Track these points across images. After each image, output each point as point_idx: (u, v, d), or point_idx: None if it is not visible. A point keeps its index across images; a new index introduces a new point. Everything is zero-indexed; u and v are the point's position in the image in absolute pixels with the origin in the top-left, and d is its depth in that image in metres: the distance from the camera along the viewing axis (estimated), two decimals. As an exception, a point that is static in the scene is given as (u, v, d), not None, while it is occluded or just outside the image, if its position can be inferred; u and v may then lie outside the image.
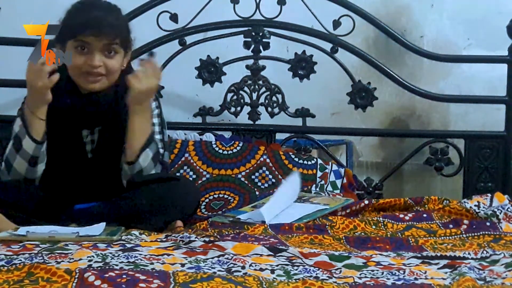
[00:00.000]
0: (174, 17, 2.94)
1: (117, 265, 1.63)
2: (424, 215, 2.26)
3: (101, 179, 2.30)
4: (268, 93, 2.97)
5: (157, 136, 2.35)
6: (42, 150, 2.24)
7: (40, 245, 1.80)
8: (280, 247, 1.83)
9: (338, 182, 2.78)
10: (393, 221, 2.21)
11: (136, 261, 1.67)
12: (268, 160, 2.76)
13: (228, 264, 1.69)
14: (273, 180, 2.72)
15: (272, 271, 1.65)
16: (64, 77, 2.26)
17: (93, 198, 2.24)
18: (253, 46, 2.96)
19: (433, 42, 3.25)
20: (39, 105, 2.21)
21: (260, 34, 2.95)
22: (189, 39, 2.97)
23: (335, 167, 2.82)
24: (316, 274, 1.65)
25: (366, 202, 2.40)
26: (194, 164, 2.74)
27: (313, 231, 2.10)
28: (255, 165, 2.75)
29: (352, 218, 2.26)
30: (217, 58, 2.97)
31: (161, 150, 2.34)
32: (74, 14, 2.27)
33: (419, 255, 1.85)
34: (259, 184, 2.71)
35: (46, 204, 2.22)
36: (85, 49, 2.24)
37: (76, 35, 2.24)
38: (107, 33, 2.23)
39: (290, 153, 2.82)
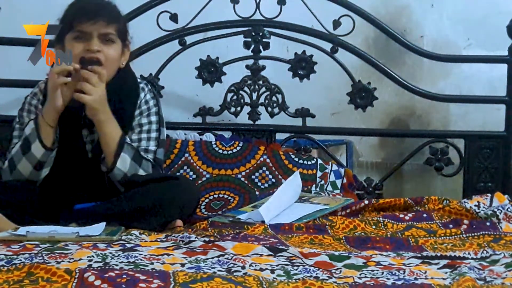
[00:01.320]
0: (174, 17, 2.94)
1: (117, 265, 1.63)
2: (424, 215, 2.26)
3: (101, 179, 2.30)
4: (268, 93, 2.97)
5: (153, 134, 2.36)
6: (51, 156, 2.26)
7: (40, 245, 1.80)
8: (280, 247, 1.83)
9: (338, 182, 2.78)
10: (393, 221, 2.21)
11: (136, 261, 1.67)
12: (268, 160, 2.76)
13: (228, 264, 1.69)
14: (273, 180, 2.72)
15: (272, 271, 1.65)
16: None
17: (93, 198, 2.24)
18: (253, 46, 2.96)
19: (433, 42, 3.26)
20: (50, 111, 2.23)
21: (260, 34, 2.95)
22: (189, 39, 2.97)
23: (335, 167, 2.81)
24: (316, 274, 1.65)
25: (366, 202, 2.40)
26: (194, 164, 2.74)
27: (313, 231, 2.10)
28: (255, 165, 2.75)
29: (352, 218, 2.26)
30: (217, 58, 2.97)
31: (154, 148, 2.35)
32: (70, 7, 2.31)
33: (419, 255, 1.85)
34: (259, 184, 2.71)
35: (46, 204, 2.22)
36: (83, 38, 2.26)
37: (73, 24, 2.26)
38: (102, 17, 2.26)
39: (290, 153, 2.82)
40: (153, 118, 2.38)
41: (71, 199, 2.25)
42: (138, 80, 2.44)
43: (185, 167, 2.73)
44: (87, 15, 2.25)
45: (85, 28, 2.26)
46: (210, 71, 2.96)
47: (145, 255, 1.72)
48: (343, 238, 2.04)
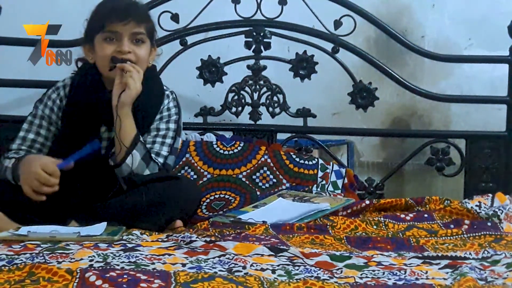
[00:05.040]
0: (175, 17, 2.94)
1: (118, 265, 1.63)
2: (425, 215, 2.26)
3: (110, 177, 2.29)
4: (269, 93, 2.97)
5: (168, 140, 2.36)
6: None
7: (41, 245, 1.80)
8: (281, 247, 1.82)
9: (339, 182, 2.77)
10: (394, 221, 2.21)
11: (137, 261, 1.67)
12: (269, 160, 2.76)
13: (229, 264, 1.69)
14: (274, 180, 2.71)
15: (273, 271, 1.65)
16: (92, 74, 2.33)
17: (100, 194, 2.24)
18: (254, 46, 2.96)
19: (434, 42, 3.26)
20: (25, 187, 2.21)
21: (261, 34, 2.95)
22: (190, 39, 2.97)
23: (336, 167, 2.81)
24: (317, 274, 1.65)
25: (367, 202, 2.40)
26: (195, 165, 2.74)
27: (314, 231, 2.10)
28: (256, 165, 2.74)
29: (353, 218, 2.26)
30: (218, 58, 2.97)
31: (166, 153, 2.34)
32: (101, 7, 2.32)
33: (420, 255, 1.85)
34: (260, 184, 2.71)
35: (51, 199, 2.21)
36: (114, 39, 2.28)
37: (104, 24, 2.27)
38: (134, 18, 2.28)
39: (291, 153, 2.82)
40: (172, 126, 2.38)
41: (78, 194, 2.25)
42: (164, 87, 2.45)
43: (186, 168, 2.73)
44: (119, 15, 2.27)
45: (116, 29, 2.27)
46: (211, 71, 2.96)
47: (146, 255, 1.72)
48: (344, 238, 2.04)
